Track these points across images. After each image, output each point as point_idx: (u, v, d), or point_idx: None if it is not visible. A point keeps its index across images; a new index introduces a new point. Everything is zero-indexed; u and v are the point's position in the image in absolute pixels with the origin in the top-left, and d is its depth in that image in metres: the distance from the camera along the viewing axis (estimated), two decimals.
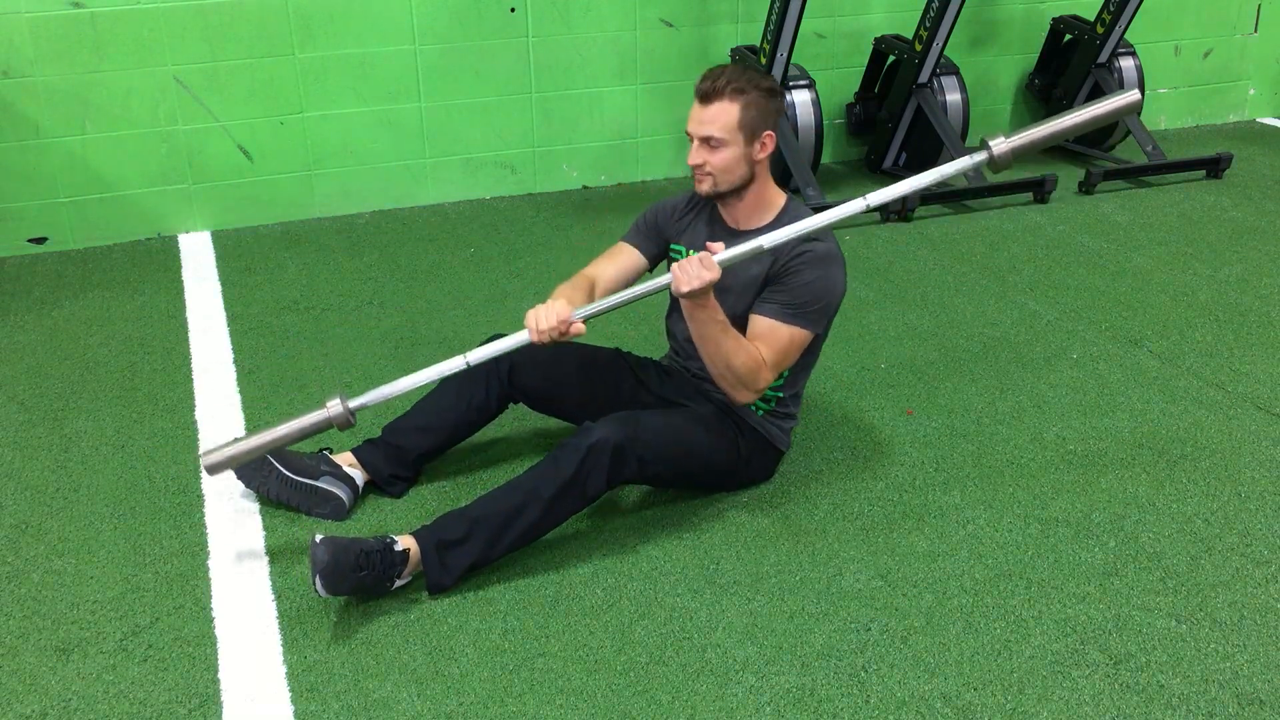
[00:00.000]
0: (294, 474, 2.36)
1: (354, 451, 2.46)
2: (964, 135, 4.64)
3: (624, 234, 2.51)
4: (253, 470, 2.37)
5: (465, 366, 2.18)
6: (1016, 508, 2.40)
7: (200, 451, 2.06)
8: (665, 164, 4.73)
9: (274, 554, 2.28)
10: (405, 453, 2.44)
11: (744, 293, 2.27)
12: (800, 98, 4.37)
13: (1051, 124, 2.09)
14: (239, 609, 2.13)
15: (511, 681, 1.93)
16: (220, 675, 1.96)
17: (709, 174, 2.24)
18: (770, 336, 2.21)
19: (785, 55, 4.14)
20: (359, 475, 2.43)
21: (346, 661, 1.98)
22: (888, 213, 4.18)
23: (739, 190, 2.27)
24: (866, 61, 4.75)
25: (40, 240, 4.03)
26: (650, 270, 2.50)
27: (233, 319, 3.43)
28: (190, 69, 3.98)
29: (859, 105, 4.80)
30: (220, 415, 2.84)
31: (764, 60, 4.18)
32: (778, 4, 4.02)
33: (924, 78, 4.48)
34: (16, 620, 2.11)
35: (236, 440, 2.17)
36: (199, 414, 2.86)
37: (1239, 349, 3.11)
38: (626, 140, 4.63)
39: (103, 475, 2.59)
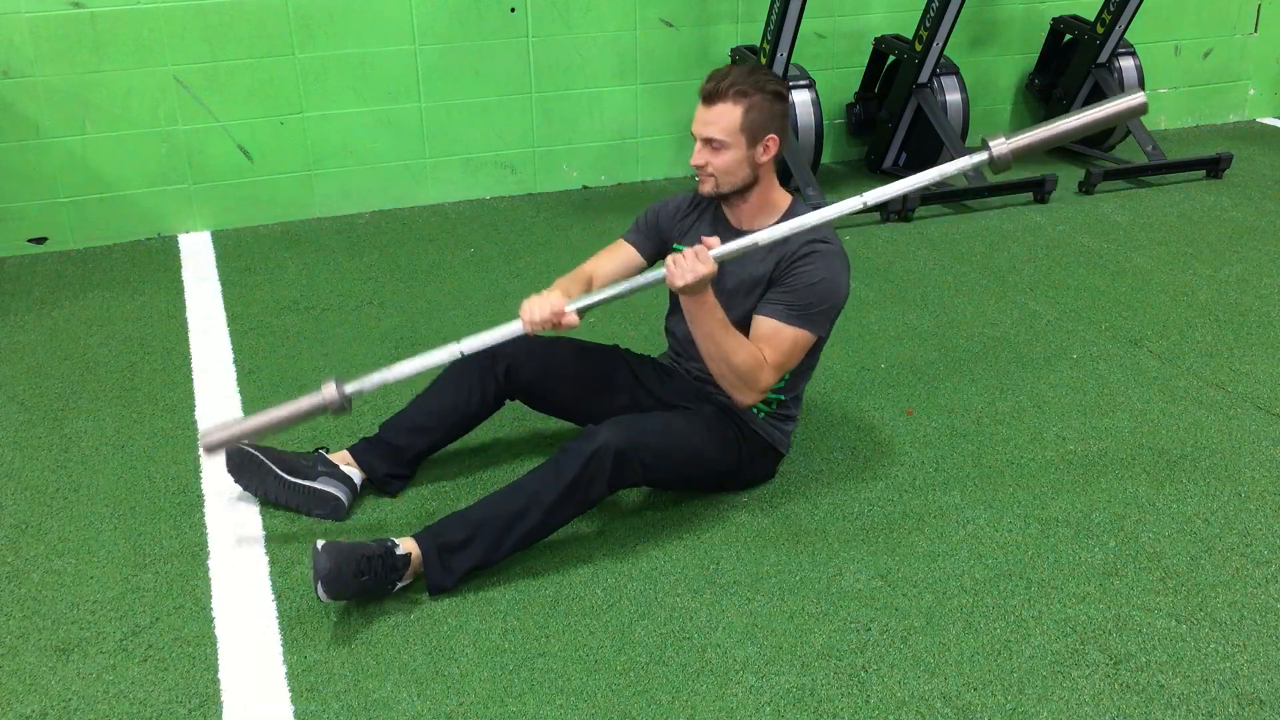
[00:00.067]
0: (291, 476, 2.36)
1: (350, 451, 2.46)
2: (964, 135, 4.64)
3: (624, 232, 2.50)
4: (249, 473, 2.37)
5: (460, 355, 2.15)
6: (1016, 508, 2.40)
7: (200, 431, 2.06)
8: (665, 164, 4.73)
9: (274, 554, 2.28)
10: (402, 452, 2.44)
11: (747, 294, 2.27)
12: (800, 98, 4.37)
13: (1054, 125, 2.07)
14: (239, 609, 2.13)
15: (511, 681, 1.93)
16: (220, 675, 1.96)
17: (711, 175, 2.24)
18: (774, 338, 2.21)
19: (785, 55, 4.14)
20: (356, 474, 2.42)
21: (346, 661, 1.98)
22: (888, 213, 4.18)
23: (742, 192, 2.27)
24: (866, 61, 4.75)
25: (40, 240, 4.03)
26: (649, 267, 2.50)
27: (233, 319, 3.43)
28: (190, 69, 3.98)
29: (859, 105, 4.80)
30: (220, 415, 2.84)
31: (764, 60, 4.18)
32: (778, 4, 4.02)
33: (924, 78, 4.48)
34: (16, 620, 2.11)
35: (235, 421, 2.14)
36: (199, 414, 2.86)
37: (1239, 349, 3.11)
38: (626, 140, 4.63)
39: (103, 475, 2.59)
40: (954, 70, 4.64)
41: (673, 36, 4.53)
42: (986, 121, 5.08)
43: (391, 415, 2.50)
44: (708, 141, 2.21)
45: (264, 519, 2.40)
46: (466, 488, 2.50)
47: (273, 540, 2.33)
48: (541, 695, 1.90)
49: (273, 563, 2.26)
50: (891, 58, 4.66)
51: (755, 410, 2.38)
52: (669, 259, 2.09)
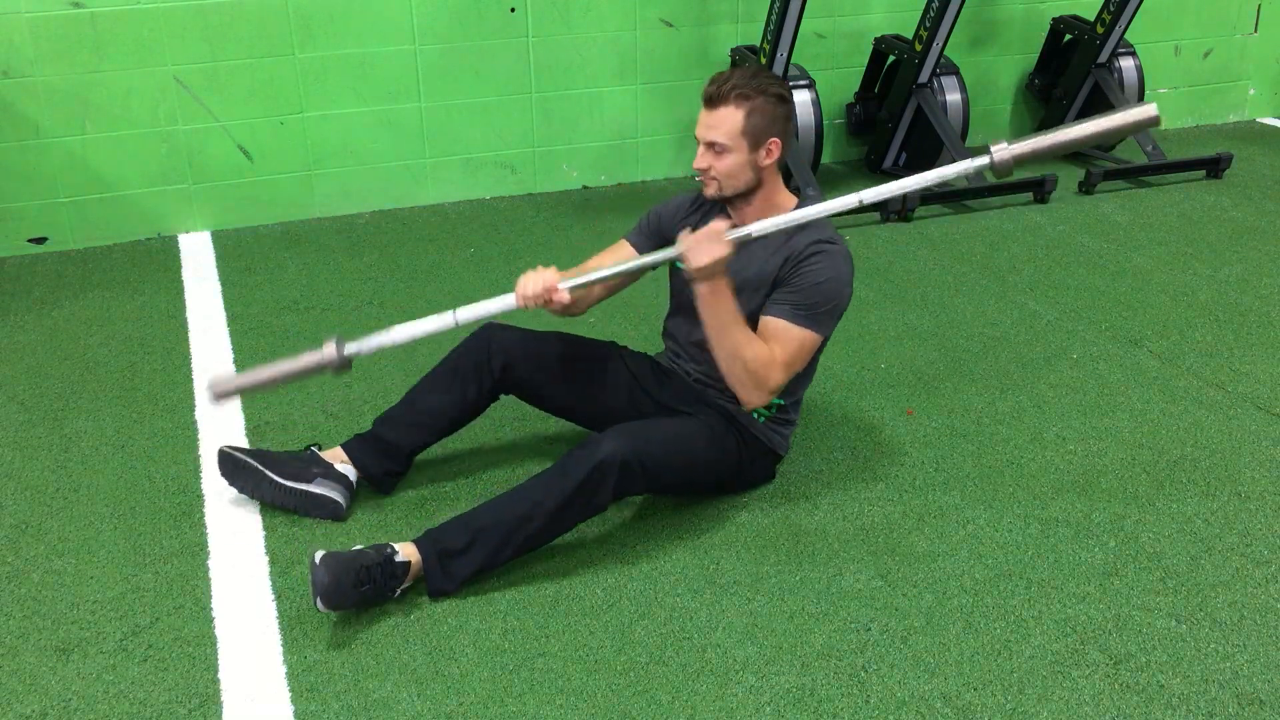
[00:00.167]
0: (287, 480, 2.35)
1: (344, 448, 2.44)
2: (964, 135, 4.64)
3: (627, 233, 2.50)
4: (244, 478, 2.36)
5: (454, 325, 2.17)
6: (1016, 508, 2.40)
7: (209, 381, 2.11)
8: (665, 164, 4.73)
9: (274, 554, 2.28)
10: (398, 449, 2.43)
11: (753, 293, 2.26)
12: (800, 98, 4.37)
13: (1058, 134, 2.01)
14: (239, 609, 2.13)
15: (511, 681, 1.93)
16: (220, 675, 1.96)
17: (714, 178, 2.25)
18: (783, 338, 2.20)
19: (785, 55, 4.14)
20: (351, 472, 2.41)
21: (346, 661, 1.98)
22: (888, 213, 4.18)
23: (746, 195, 2.27)
24: (866, 61, 4.75)
25: (40, 240, 4.03)
26: (651, 270, 2.50)
27: (233, 319, 3.43)
28: (190, 69, 3.98)
29: (859, 105, 4.80)
30: (220, 415, 2.84)
31: (764, 60, 4.18)
32: (778, 4, 4.02)
33: (924, 78, 4.48)
34: (16, 620, 2.11)
35: (242, 373, 2.18)
36: (199, 414, 2.86)
37: (1239, 349, 3.11)
38: (626, 140, 4.63)
39: (103, 475, 2.59)
40: (954, 70, 4.64)
41: (673, 36, 4.53)
42: (986, 121, 5.08)
43: (386, 409, 2.48)
44: (710, 145, 2.21)
45: (264, 519, 2.40)
46: (466, 488, 2.50)
47: (273, 540, 2.33)
48: (541, 695, 1.90)
49: (273, 563, 2.26)
50: (891, 58, 4.66)
51: (755, 414, 2.38)
52: (683, 237, 2.06)
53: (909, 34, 4.50)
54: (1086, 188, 4.48)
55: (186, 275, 3.81)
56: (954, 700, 1.87)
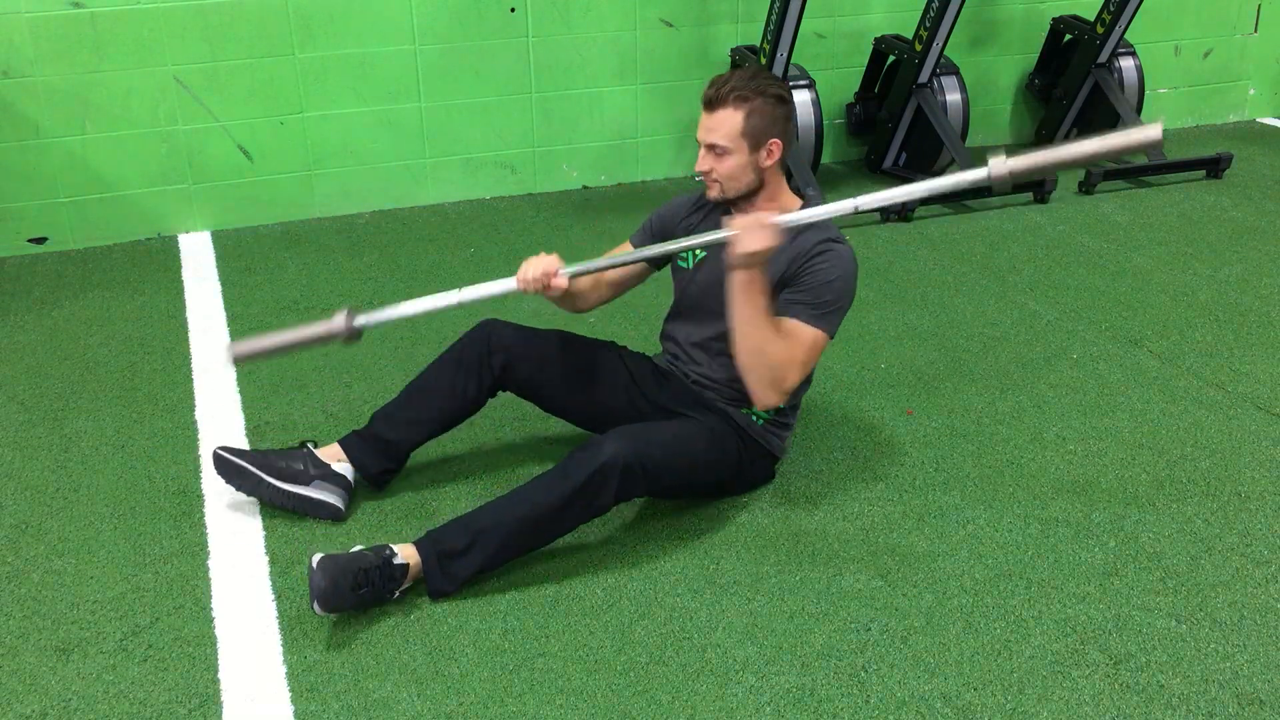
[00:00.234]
0: (285, 484, 2.35)
1: (342, 445, 2.42)
2: (964, 135, 4.64)
3: (632, 234, 2.51)
4: (243, 479, 2.36)
5: (458, 303, 2.20)
6: (1016, 508, 2.40)
7: (227, 344, 2.17)
8: (665, 164, 4.73)
9: (274, 554, 2.28)
10: (396, 447, 2.43)
11: None
12: (800, 98, 4.37)
13: (1058, 151, 1.94)
14: (239, 609, 2.13)
15: (511, 681, 1.93)
16: (220, 675, 1.96)
17: (716, 181, 2.25)
18: (798, 338, 2.19)
19: (785, 55, 4.14)
20: (348, 470, 2.41)
21: (346, 661, 1.98)
22: (888, 213, 4.18)
23: (749, 196, 2.27)
24: (866, 61, 4.75)
25: (40, 240, 4.04)
26: (656, 271, 2.52)
27: (233, 319, 3.43)
28: (190, 69, 3.98)
29: (859, 105, 4.80)
30: (220, 415, 2.84)
31: (764, 60, 4.18)
32: (778, 4, 4.02)
33: (924, 78, 4.48)
34: (16, 620, 2.11)
35: (260, 337, 2.25)
36: (199, 414, 2.86)
37: (1239, 349, 3.11)
38: (626, 140, 4.63)
39: (103, 475, 2.59)
40: (954, 70, 4.64)
41: (673, 36, 4.53)
42: (986, 121, 5.08)
43: (383, 405, 2.47)
44: (711, 148, 2.21)
45: (264, 519, 2.40)
46: (466, 488, 2.50)
47: (273, 540, 2.33)
48: (541, 695, 1.90)
49: (273, 563, 2.26)
50: (891, 58, 4.66)
51: (755, 417, 2.38)
52: (737, 221, 2.04)
53: (909, 34, 4.50)
54: (1086, 188, 4.48)
55: (186, 275, 3.81)
56: (954, 700, 1.87)
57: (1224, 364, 3.02)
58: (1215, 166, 4.64)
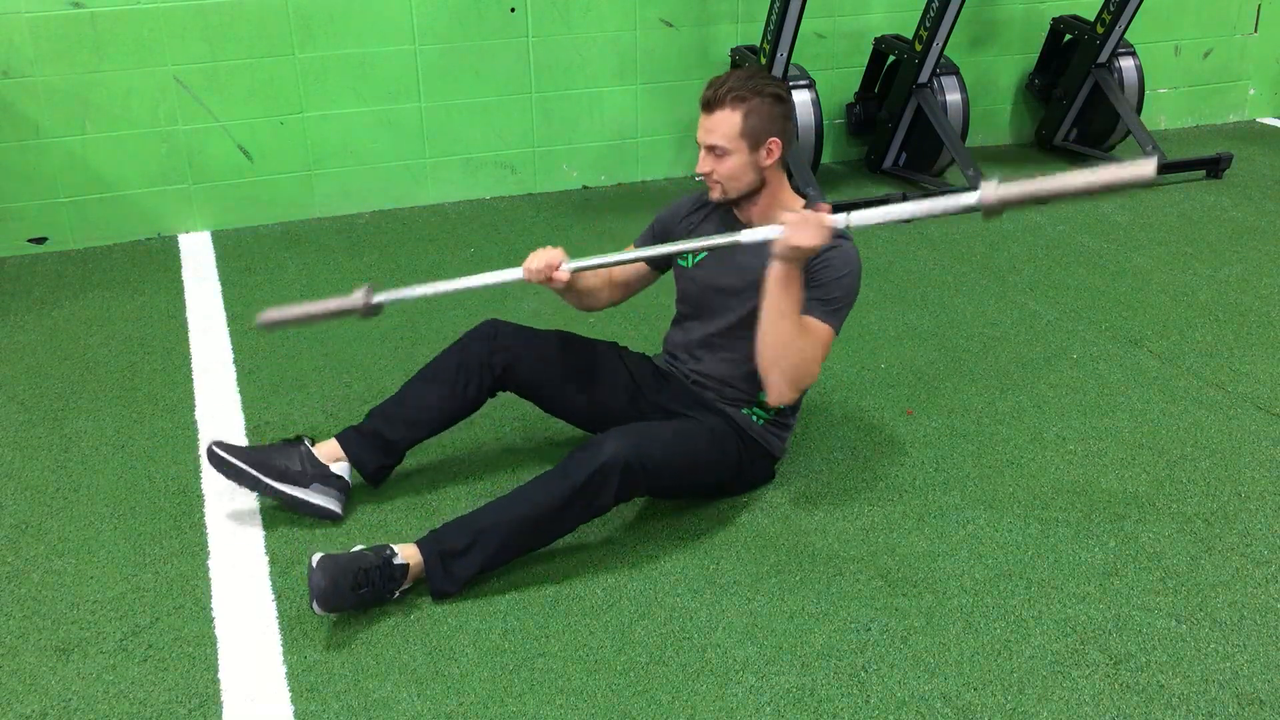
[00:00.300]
0: (282, 484, 2.34)
1: (340, 441, 2.41)
2: (964, 135, 4.63)
3: (636, 237, 2.52)
4: (241, 478, 2.35)
5: (468, 288, 2.29)
6: (1016, 508, 2.40)
7: (259, 314, 2.37)
8: (665, 164, 4.73)
9: (274, 554, 2.28)
10: (394, 445, 2.42)
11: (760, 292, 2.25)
12: (800, 98, 4.37)
13: (1053, 181, 1.91)
14: (239, 609, 2.13)
15: (511, 681, 1.93)
16: (220, 675, 1.96)
17: (717, 182, 2.25)
18: (814, 334, 2.20)
19: (785, 55, 4.14)
20: (345, 470, 2.40)
21: (346, 661, 1.98)
22: None
23: (750, 196, 2.28)
24: (866, 61, 4.75)
25: (40, 240, 4.04)
26: (661, 274, 2.53)
27: (233, 319, 3.43)
28: (190, 69, 3.98)
29: (859, 105, 4.80)
30: (220, 415, 2.84)
31: (764, 60, 4.18)
32: (778, 4, 4.02)
33: (924, 78, 4.48)
34: (16, 620, 2.11)
35: (288, 306, 2.33)
36: (199, 414, 2.86)
37: (1239, 349, 3.11)
38: (626, 140, 4.63)
39: (103, 475, 2.59)
40: (954, 70, 4.64)
41: (673, 36, 4.53)
42: (986, 121, 5.08)
43: (382, 402, 2.46)
44: (711, 149, 2.22)
45: (264, 519, 2.40)
46: (466, 489, 2.50)
47: (273, 540, 2.33)
48: (541, 695, 1.90)
49: (273, 563, 2.26)
50: (891, 58, 4.65)
51: (755, 417, 2.38)
52: (790, 216, 2.05)
53: (909, 34, 4.50)
54: None
55: (186, 275, 3.81)
56: (954, 700, 1.87)
57: (1224, 364, 3.02)
58: (1215, 166, 4.64)
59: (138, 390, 2.99)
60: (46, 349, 3.25)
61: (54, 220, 4.02)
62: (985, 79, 5.05)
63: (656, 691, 1.90)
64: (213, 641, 2.04)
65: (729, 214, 2.36)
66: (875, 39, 4.68)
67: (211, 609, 2.13)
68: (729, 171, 2.22)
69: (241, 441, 2.70)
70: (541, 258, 2.25)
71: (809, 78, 4.43)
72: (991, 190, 1.91)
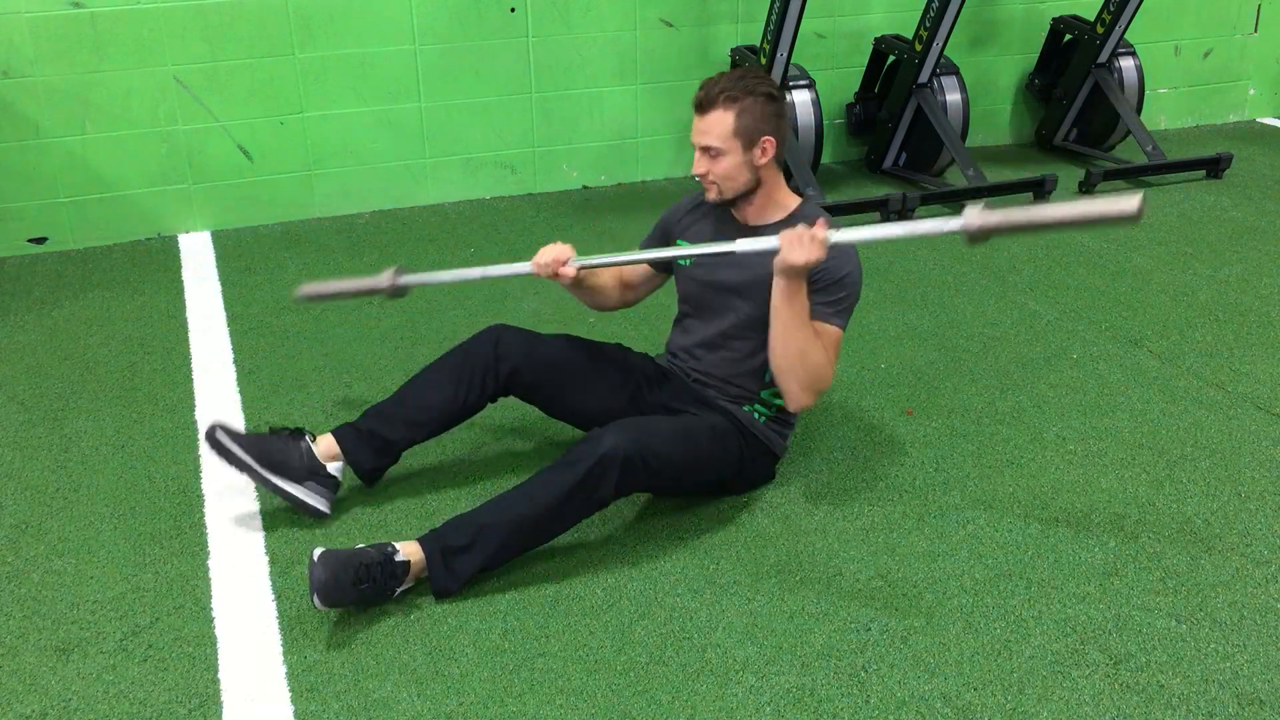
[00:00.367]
0: (276, 477, 2.33)
1: (337, 439, 2.39)
2: (964, 135, 4.64)
3: (643, 238, 2.54)
4: (237, 465, 2.34)
5: (481, 278, 2.53)
6: (1016, 508, 2.40)
7: (298, 288, 2.72)
8: (665, 164, 4.73)
9: (274, 554, 2.28)
10: (393, 446, 2.42)
11: (763, 296, 2.26)
12: (800, 98, 4.37)
13: (1035, 211, 1.94)
14: (239, 609, 2.13)
15: (511, 681, 1.93)
16: (220, 675, 1.96)
17: (713, 182, 2.26)
18: (825, 337, 2.21)
19: (785, 55, 4.14)
20: (338, 470, 2.39)
21: (346, 661, 1.98)
22: (888, 212, 4.18)
23: (747, 195, 2.28)
24: (866, 61, 4.75)
25: (40, 240, 4.04)
26: (666, 276, 2.55)
27: (233, 319, 3.43)
28: (190, 69, 3.98)
29: (859, 105, 4.80)
30: (220, 415, 2.84)
31: (764, 60, 4.18)
32: (778, 4, 4.02)
33: (924, 78, 4.48)
34: (16, 620, 2.11)
35: (324, 282, 2.71)
36: (199, 414, 2.86)
37: (1239, 349, 3.11)
38: (626, 140, 4.63)
39: (103, 475, 2.59)
40: (954, 70, 4.64)
41: (673, 36, 4.53)
42: (986, 121, 5.08)
43: (383, 402, 2.45)
44: (705, 150, 2.23)
45: (264, 519, 2.40)
46: (467, 489, 2.50)
47: (273, 540, 2.33)
48: (541, 695, 1.90)
49: (273, 563, 2.26)
50: (891, 58, 4.66)
51: (756, 414, 2.38)
52: (785, 233, 2.08)
53: (909, 34, 4.50)
54: (1086, 188, 4.48)
55: (186, 275, 3.81)
56: (954, 700, 1.87)
57: (1224, 364, 3.02)
58: (1215, 166, 4.64)
59: (138, 390, 2.99)
60: (46, 349, 3.25)
61: (54, 220, 4.02)
62: (985, 79, 5.05)
63: (656, 691, 1.90)
64: (213, 641, 2.04)
65: (725, 213, 2.36)
66: (875, 39, 4.68)
67: (211, 609, 2.13)
68: (724, 172, 2.23)
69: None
70: (550, 253, 2.32)
71: (809, 78, 4.43)
72: (975, 217, 1.95)
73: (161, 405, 2.90)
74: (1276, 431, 2.68)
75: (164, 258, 3.97)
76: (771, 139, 2.23)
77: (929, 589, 2.14)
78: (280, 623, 2.08)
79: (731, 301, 2.33)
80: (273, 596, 2.15)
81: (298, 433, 2.39)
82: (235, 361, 3.14)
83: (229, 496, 2.47)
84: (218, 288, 3.69)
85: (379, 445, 2.41)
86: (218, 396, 2.94)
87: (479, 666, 1.96)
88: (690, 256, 2.37)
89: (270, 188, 4.23)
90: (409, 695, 1.90)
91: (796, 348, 2.16)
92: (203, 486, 2.53)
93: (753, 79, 2.22)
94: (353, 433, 2.41)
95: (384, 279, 2.51)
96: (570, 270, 2.32)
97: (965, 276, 3.65)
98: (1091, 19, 4.74)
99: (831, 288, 2.22)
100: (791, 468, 2.55)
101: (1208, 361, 3.04)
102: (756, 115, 2.20)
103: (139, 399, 2.94)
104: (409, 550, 2.11)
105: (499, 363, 2.39)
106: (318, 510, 2.36)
